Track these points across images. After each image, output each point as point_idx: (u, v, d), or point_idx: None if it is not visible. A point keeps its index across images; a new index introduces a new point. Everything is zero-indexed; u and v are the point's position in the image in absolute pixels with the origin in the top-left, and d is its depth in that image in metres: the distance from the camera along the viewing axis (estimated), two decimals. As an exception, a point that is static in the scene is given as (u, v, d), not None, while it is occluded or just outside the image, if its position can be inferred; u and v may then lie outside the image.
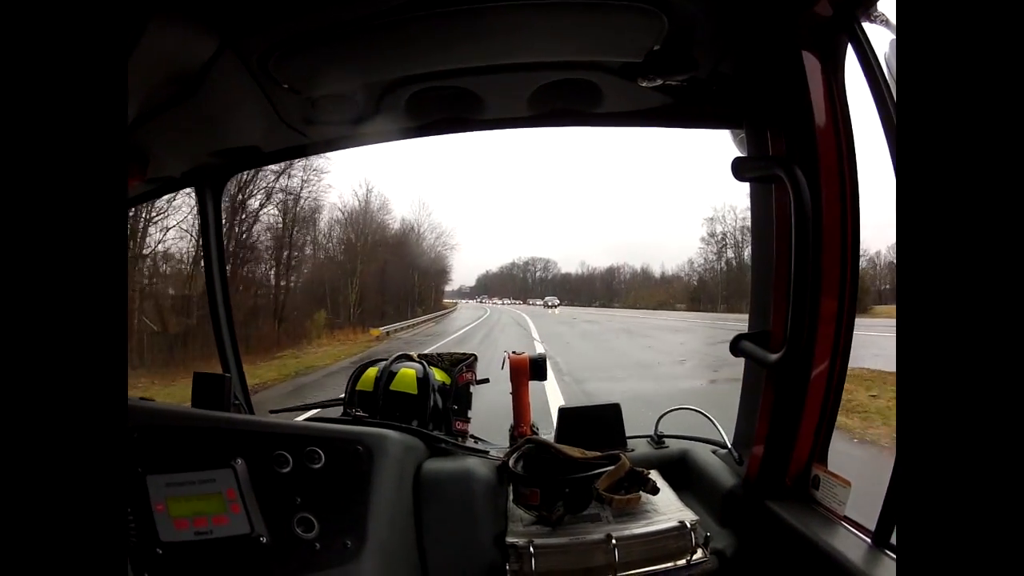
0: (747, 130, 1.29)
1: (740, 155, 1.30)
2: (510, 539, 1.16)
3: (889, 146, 0.91)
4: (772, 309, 1.20)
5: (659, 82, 1.25)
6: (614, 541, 1.13)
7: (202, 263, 1.88)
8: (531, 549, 1.13)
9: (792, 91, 1.10)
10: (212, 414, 1.14)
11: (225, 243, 1.91)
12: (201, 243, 1.87)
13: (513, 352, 1.60)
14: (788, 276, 1.06)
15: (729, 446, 1.41)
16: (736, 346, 1.25)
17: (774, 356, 1.11)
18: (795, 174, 1.01)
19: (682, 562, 1.15)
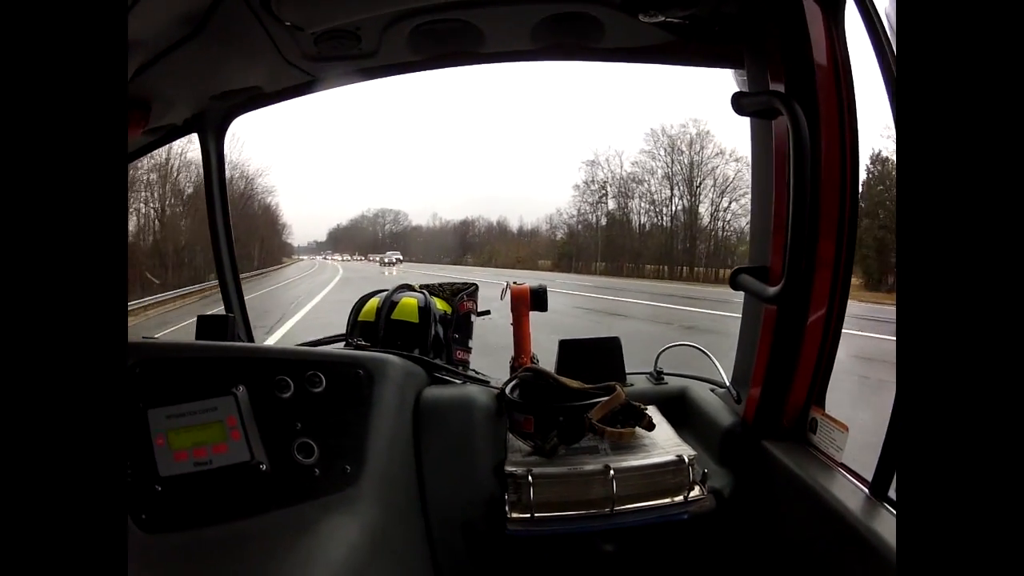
0: (748, 68, 1.28)
1: (740, 90, 1.28)
2: (508, 468, 1.16)
3: (890, 101, 0.90)
4: (771, 245, 1.20)
5: (660, 18, 1.25)
6: (612, 472, 1.13)
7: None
8: (529, 478, 1.13)
9: (793, 35, 1.10)
10: (214, 344, 1.14)
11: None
12: (204, 188, 1.86)
13: (514, 282, 1.58)
14: (787, 212, 1.05)
15: (728, 384, 1.41)
16: (735, 280, 1.25)
17: (772, 289, 1.11)
18: (794, 108, 1.01)
19: (679, 498, 1.16)
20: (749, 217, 1.40)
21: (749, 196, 1.42)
